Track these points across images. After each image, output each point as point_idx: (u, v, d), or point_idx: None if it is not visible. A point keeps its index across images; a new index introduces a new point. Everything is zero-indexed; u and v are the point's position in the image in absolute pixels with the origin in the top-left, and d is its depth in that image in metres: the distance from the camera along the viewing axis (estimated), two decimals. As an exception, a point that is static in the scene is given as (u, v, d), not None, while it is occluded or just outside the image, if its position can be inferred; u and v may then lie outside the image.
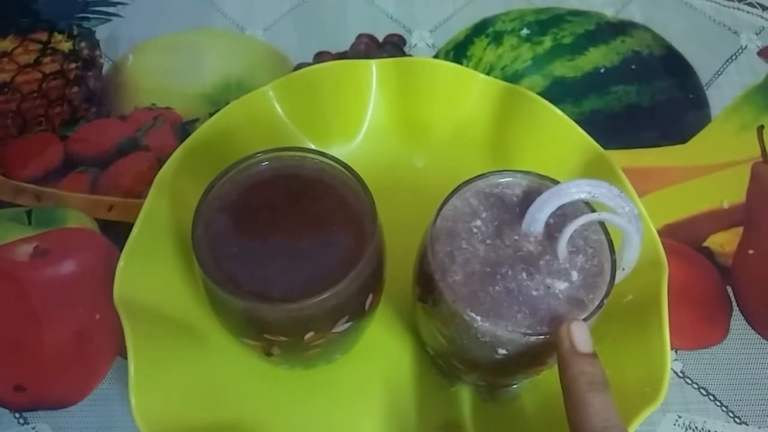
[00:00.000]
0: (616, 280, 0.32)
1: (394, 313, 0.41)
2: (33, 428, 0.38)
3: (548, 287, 0.31)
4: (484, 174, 0.34)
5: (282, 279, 0.30)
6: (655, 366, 0.35)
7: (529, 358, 0.32)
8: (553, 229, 0.32)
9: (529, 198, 0.33)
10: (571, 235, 0.31)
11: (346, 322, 0.32)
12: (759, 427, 0.39)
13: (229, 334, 0.34)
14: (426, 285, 0.33)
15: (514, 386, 0.39)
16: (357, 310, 0.33)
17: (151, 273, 0.37)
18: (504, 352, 0.31)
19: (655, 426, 0.39)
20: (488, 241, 0.32)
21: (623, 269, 0.32)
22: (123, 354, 0.40)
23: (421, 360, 0.40)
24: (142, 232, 0.37)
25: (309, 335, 0.32)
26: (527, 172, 0.34)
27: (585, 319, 0.30)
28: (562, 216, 0.32)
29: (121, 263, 0.36)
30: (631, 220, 0.31)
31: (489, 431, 0.38)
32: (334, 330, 0.32)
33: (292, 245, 0.31)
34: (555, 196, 0.31)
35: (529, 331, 0.30)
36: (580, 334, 0.29)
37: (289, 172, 0.33)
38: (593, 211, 0.32)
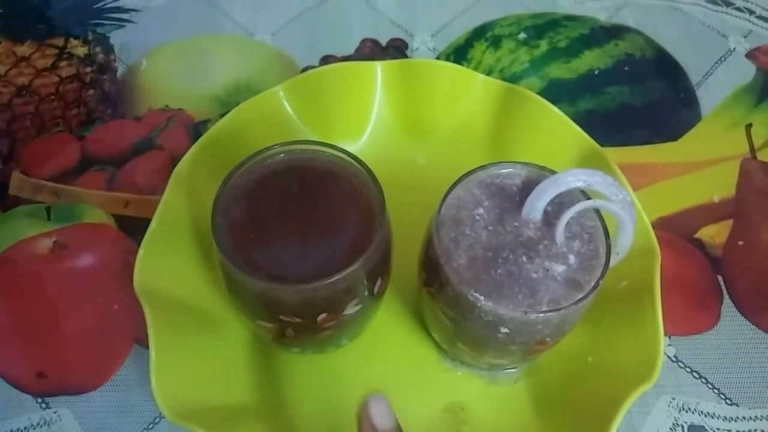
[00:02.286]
0: (611, 264, 0.33)
1: (399, 302, 0.42)
2: (55, 412, 0.40)
3: (547, 270, 0.33)
4: (485, 165, 0.36)
5: (297, 262, 0.32)
6: (649, 347, 0.36)
7: (529, 337, 0.33)
8: (551, 216, 0.34)
9: (528, 187, 0.34)
10: (568, 222, 0.33)
11: (357, 304, 0.34)
12: (749, 408, 0.41)
13: (244, 318, 0.36)
14: (432, 269, 0.34)
15: (514, 370, 0.40)
16: (367, 294, 0.35)
17: (169, 262, 0.39)
18: (506, 330, 0.33)
19: (650, 407, 0.41)
20: (490, 228, 0.34)
21: (617, 253, 0.34)
22: (140, 342, 0.42)
23: (425, 346, 0.41)
24: (160, 223, 0.39)
25: (321, 317, 0.33)
26: (526, 163, 0.36)
27: (581, 300, 0.32)
28: (559, 204, 0.34)
29: (140, 252, 0.38)
30: (624, 206, 0.33)
31: (490, 412, 0.39)
32: (345, 312, 0.34)
33: (306, 231, 0.33)
34: (552, 185, 0.33)
35: (530, 310, 0.32)
36: (381, 416, 0.29)
37: (302, 164, 0.35)
38: (589, 198, 0.34)
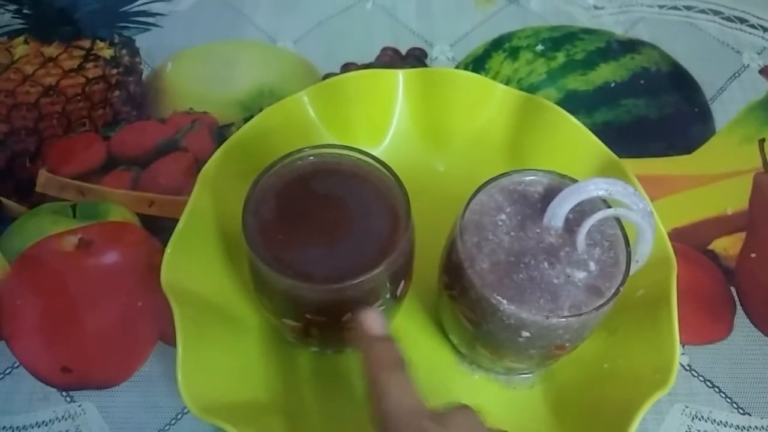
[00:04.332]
0: (631, 272, 0.34)
1: (418, 305, 0.43)
2: (79, 406, 0.41)
3: (568, 276, 0.34)
4: (508, 172, 0.37)
5: (325, 263, 0.33)
6: (664, 355, 0.37)
7: (549, 341, 0.34)
8: (572, 224, 0.35)
9: (549, 195, 0.35)
10: (589, 229, 0.34)
11: (380, 305, 0.35)
12: (761, 417, 0.41)
13: (270, 315, 0.37)
14: (454, 273, 0.35)
15: (531, 375, 0.41)
16: (390, 295, 0.36)
17: (195, 261, 0.40)
18: (527, 334, 0.33)
19: (663, 414, 0.41)
20: (512, 233, 0.35)
21: (637, 261, 0.35)
22: (164, 339, 0.43)
23: (443, 349, 0.42)
24: (187, 222, 0.40)
25: (346, 316, 0.34)
26: (548, 171, 0.37)
27: (601, 306, 0.33)
28: (580, 212, 0.35)
29: (168, 250, 0.39)
30: (644, 216, 0.34)
31: (506, 417, 0.40)
32: (369, 313, 0.35)
33: (334, 233, 0.34)
34: (574, 192, 0.34)
35: (551, 314, 0.32)
36: (370, 319, 0.29)
37: (331, 167, 0.36)
38: (609, 207, 0.35)
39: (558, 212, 0.34)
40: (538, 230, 0.35)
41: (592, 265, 0.34)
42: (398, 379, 0.27)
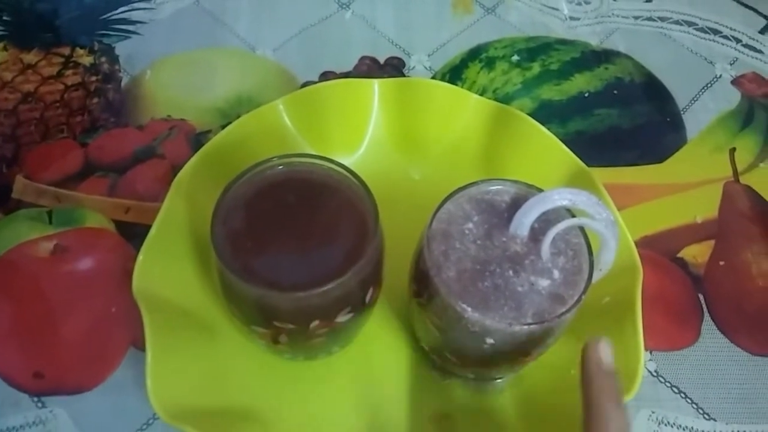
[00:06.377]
0: (594, 279, 0.35)
1: (390, 312, 0.44)
2: (50, 412, 0.41)
3: (532, 284, 0.34)
4: (476, 182, 0.37)
5: (292, 270, 0.34)
6: (629, 361, 0.38)
7: (514, 348, 0.35)
8: (537, 233, 0.35)
9: (516, 204, 0.36)
10: (553, 238, 0.34)
11: (348, 312, 0.35)
12: (726, 423, 0.42)
13: (239, 323, 0.37)
14: (422, 281, 0.36)
15: (500, 380, 0.42)
16: (358, 302, 0.36)
17: (167, 268, 0.40)
18: (491, 341, 0.34)
19: (630, 420, 0.42)
20: (479, 242, 0.35)
21: (600, 270, 0.36)
22: (136, 344, 0.43)
23: (415, 355, 0.42)
24: (160, 229, 0.40)
25: (314, 324, 0.35)
26: (515, 181, 0.37)
27: (564, 314, 0.33)
28: (545, 221, 0.35)
29: (140, 257, 0.39)
30: (607, 225, 0.35)
31: (476, 421, 0.41)
32: (338, 320, 0.35)
33: (302, 241, 0.35)
34: (540, 202, 0.35)
35: (514, 322, 0.33)
36: (607, 354, 0.33)
37: (300, 176, 0.37)
38: (574, 217, 0.36)
39: (523, 221, 0.35)
40: (504, 239, 0.35)
41: (556, 274, 0.35)
42: (621, 412, 0.31)
